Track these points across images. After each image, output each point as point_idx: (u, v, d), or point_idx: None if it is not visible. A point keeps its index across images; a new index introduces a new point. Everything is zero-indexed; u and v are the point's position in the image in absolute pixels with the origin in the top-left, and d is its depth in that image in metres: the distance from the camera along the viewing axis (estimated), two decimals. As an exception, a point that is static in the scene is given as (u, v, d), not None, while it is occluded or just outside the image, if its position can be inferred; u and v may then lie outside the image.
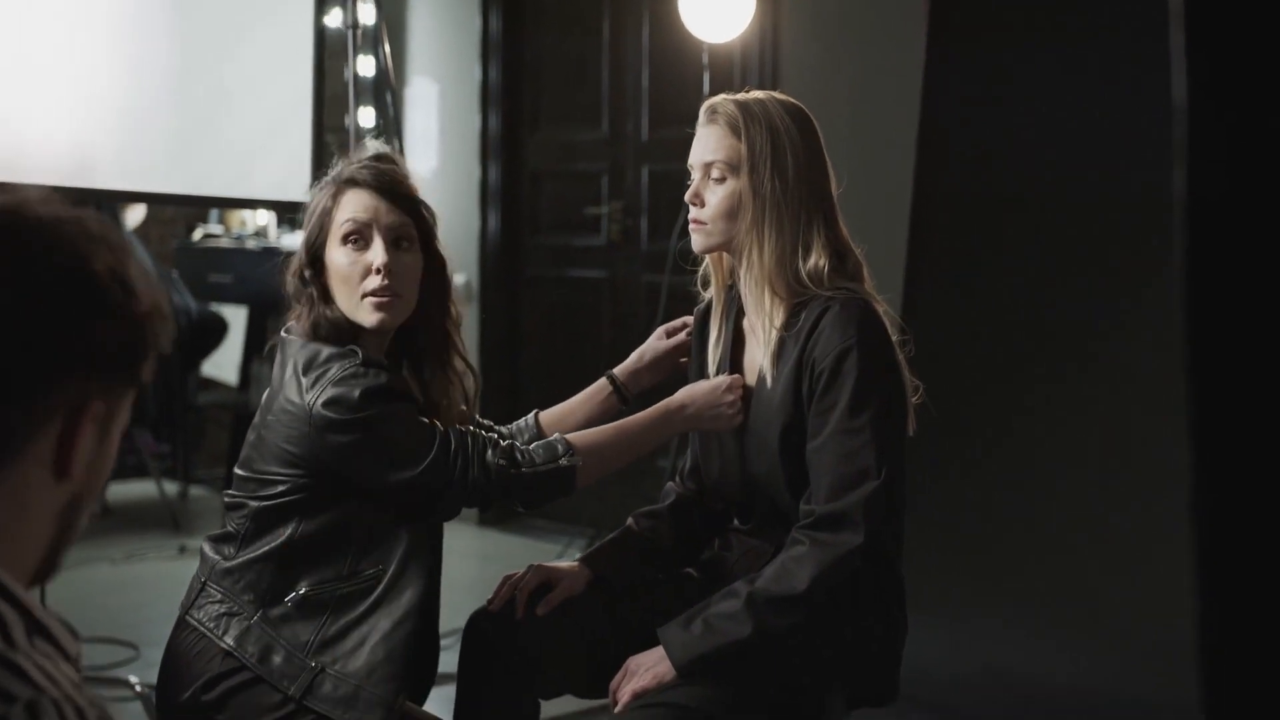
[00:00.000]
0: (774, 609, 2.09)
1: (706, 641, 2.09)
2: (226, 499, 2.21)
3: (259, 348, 5.93)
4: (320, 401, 2.07)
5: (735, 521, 2.37)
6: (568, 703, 2.43)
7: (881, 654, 2.23)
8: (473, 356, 5.90)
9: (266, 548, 2.14)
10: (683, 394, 2.30)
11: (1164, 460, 3.51)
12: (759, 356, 2.26)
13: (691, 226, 2.28)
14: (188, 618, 2.18)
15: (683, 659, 2.10)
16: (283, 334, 2.21)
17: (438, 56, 6.12)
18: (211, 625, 2.14)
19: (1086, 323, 3.85)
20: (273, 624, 2.12)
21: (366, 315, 2.15)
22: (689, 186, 2.28)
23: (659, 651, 2.12)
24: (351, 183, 2.20)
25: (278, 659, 2.10)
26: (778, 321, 2.21)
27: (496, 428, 2.42)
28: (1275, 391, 3.25)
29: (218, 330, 6.15)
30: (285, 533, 2.13)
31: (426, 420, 2.14)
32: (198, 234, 6.70)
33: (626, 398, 2.47)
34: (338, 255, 2.17)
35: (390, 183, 2.20)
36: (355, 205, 2.17)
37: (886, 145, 4.41)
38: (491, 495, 2.15)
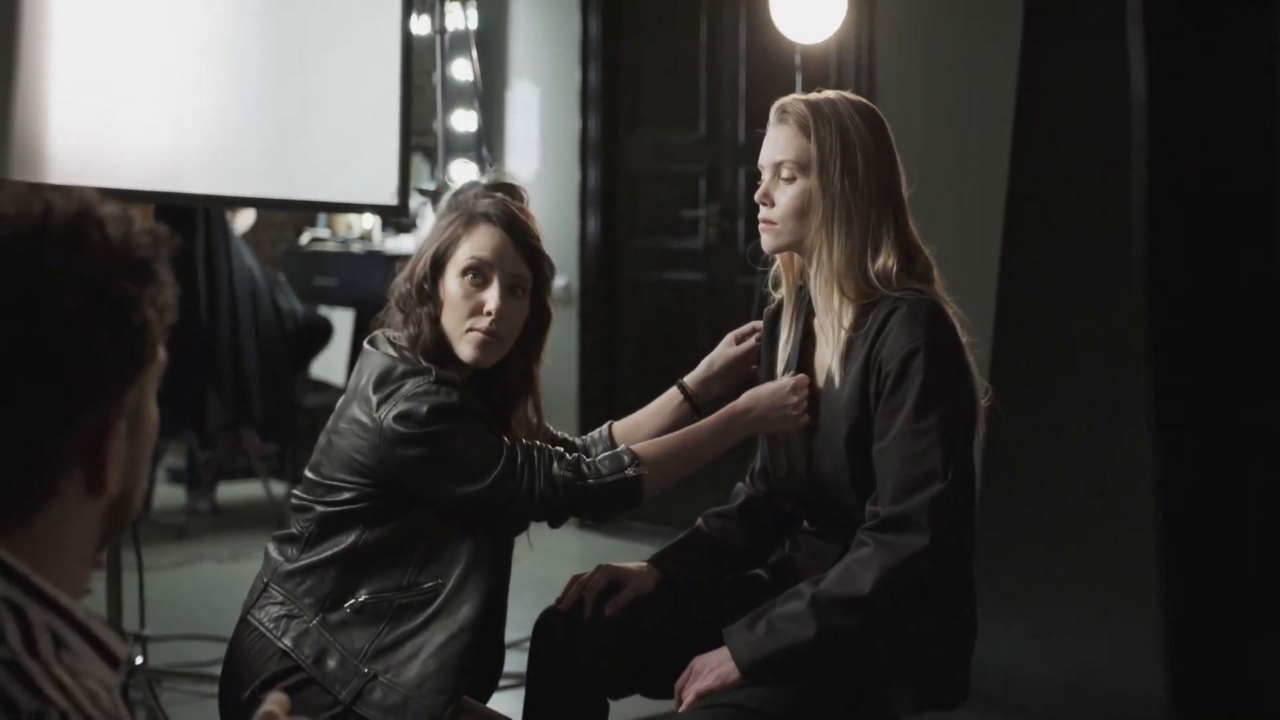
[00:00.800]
0: (838, 610, 2.08)
1: (770, 643, 2.09)
2: (294, 500, 2.25)
3: (364, 350, 6.00)
4: (391, 416, 2.10)
5: (804, 523, 2.36)
6: (636, 702, 2.43)
7: (948, 656, 2.21)
8: (571, 359, 6.01)
9: (329, 553, 2.17)
10: (747, 398, 2.30)
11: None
12: (828, 357, 2.25)
13: (761, 226, 2.27)
14: (249, 617, 2.22)
15: (747, 660, 2.09)
16: (366, 344, 2.25)
17: (539, 60, 6.17)
18: (271, 626, 2.17)
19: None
20: (331, 629, 2.15)
21: (465, 348, 2.20)
22: (756, 186, 2.28)
23: (724, 652, 2.12)
24: (485, 218, 2.22)
25: (332, 663, 2.13)
26: (846, 322, 2.20)
27: (569, 439, 2.44)
28: (1237, 384, 3.21)
29: (324, 333, 6.25)
30: (348, 540, 2.17)
31: (495, 436, 2.17)
32: (305, 238, 6.81)
33: (698, 406, 2.46)
34: (454, 285, 2.21)
35: (521, 229, 2.24)
36: (484, 243, 2.21)
37: (982, 143, 4.36)
38: (559, 508, 2.17)
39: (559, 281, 5.96)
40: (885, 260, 2.19)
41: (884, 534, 2.09)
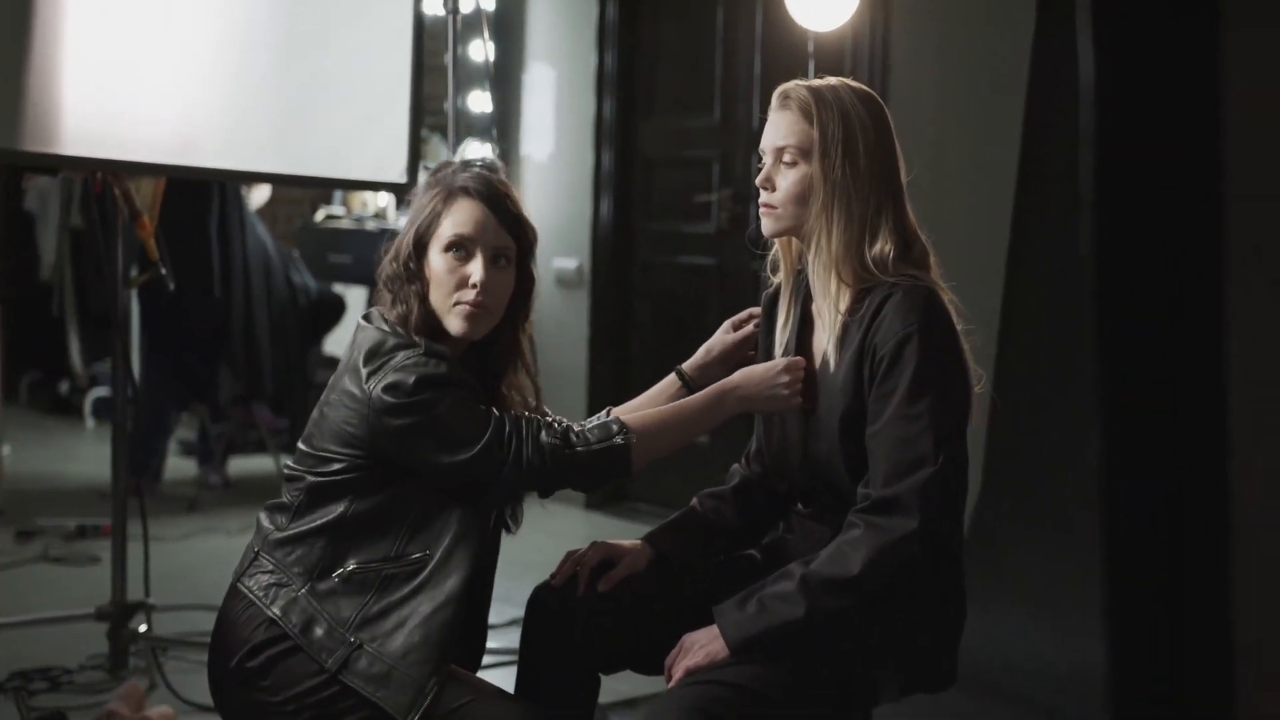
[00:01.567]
0: (827, 591, 2.10)
1: (760, 621, 2.11)
2: (286, 470, 2.28)
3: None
4: (380, 386, 2.13)
5: (798, 505, 2.38)
6: (628, 678, 2.46)
7: (936, 640, 2.23)
8: (582, 342, 6.02)
9: (319, 522, 2.20)
10: (739, 375, 2.32)
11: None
12: (825, 341, 2.27)
13: (762, 210, 2.29)
14: (239, 585, 2.24)
15: (736, 638, 2.12)
16: (360, 320, 2.27)
17: (556, 43, 6.19)
18: (260, 594, 2.20)
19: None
20: (319, 597, 2.18)
21: (454, 322, 2.23)
22: (758, 170, 2.30)
23: (713, 630, 2.14)
24: (464, 192, 2.25)
25: (319, 631, 2.16)
26: (843, 306, 2.22)
27: (562, 420, 2.46)
28: (1182, 377, 3.24)
29: (336, 309, 6.28)
30: (338, 510, 2.19)
31: (484, 406, 2.19)
32: (320, 215, 6.85)
33: (695, 390, 2.47)
34: (438, 260, 2.24)
35: (500, 198, 2.26)
36: (464, 217, 2.24)
37: (993, 131, 4.37)
38: (547, 477, 2.18)
39: (570, 263, 6.02)
40: (882, 246, 2.21)
41: (874, 516, 2.11)
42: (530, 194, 5.92)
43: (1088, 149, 3.31)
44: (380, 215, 6.66)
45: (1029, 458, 3.94)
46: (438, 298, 2.24)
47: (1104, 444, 3.27)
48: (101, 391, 7.29)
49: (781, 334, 2.38)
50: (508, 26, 6.23)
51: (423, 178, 4.63)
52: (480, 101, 5.80)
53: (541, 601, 2.35)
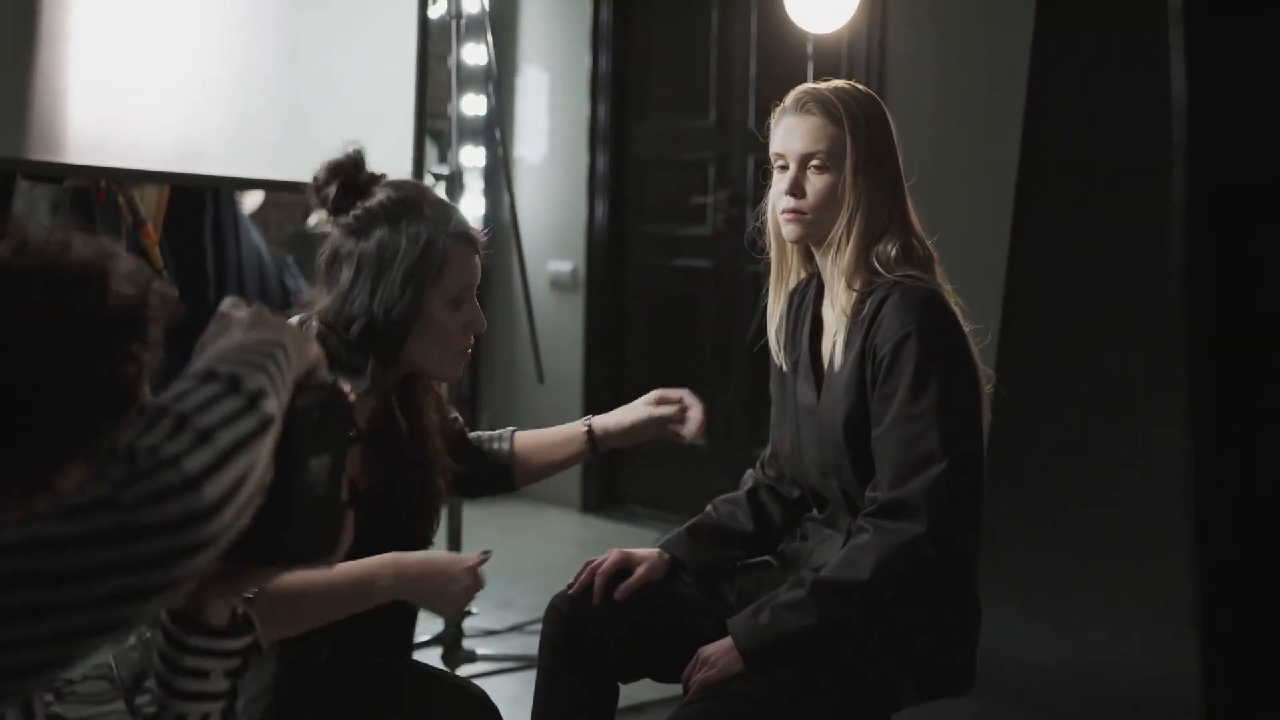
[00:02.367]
0: (838, 597, 2.09)
1: (773, 631, 2.11)
2: None
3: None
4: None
5: (812, 510, 2.38)
6: (646, 686, 2.46)
7: (951, 642, 2.22)
8: (577, 344, 6.00)
9: None
10: (390, 562, 2.01)
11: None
12: (831, 342, 2.27)
13: (788, 216, 2.26)
14: None
15: (750, 648, 2.11)
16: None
17: (549, 46, 6.18)
18: None
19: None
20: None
21: (452, 370, 2.17)
22: (776, 173, 2.28)
23: (728, 642, 2.14)
24: (467, 239, 2.13)
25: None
26: (848, 308, 2.22)
27: (469, 432, 2.42)
28: (1272, 389, 3.23)
29: (330, 315, 6.25)
30: None
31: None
32: (313, 220, 6.82)
33: (598, 450, 2.44)
34: (442, 313, 2.10)
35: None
36: (471, 270, 2.13)
37: (991, 132, 4.37)
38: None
39: (565, 266, 6.01)
40: (887, 247, 2.22)
41: (882, 520, 2.10)
42: (524, 197, 5.90)
43: (1180, 162, 3.30)
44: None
45: (1029, 457, 3.95)
46: (434, 349, 2.12)
47: (1196, 458, 3.25)
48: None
49: (781, 331, 2.37)
50: (500, 29, 6.21)
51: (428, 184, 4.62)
52: (475, 105, 5.78)
53: (559, 611, 2.34)
